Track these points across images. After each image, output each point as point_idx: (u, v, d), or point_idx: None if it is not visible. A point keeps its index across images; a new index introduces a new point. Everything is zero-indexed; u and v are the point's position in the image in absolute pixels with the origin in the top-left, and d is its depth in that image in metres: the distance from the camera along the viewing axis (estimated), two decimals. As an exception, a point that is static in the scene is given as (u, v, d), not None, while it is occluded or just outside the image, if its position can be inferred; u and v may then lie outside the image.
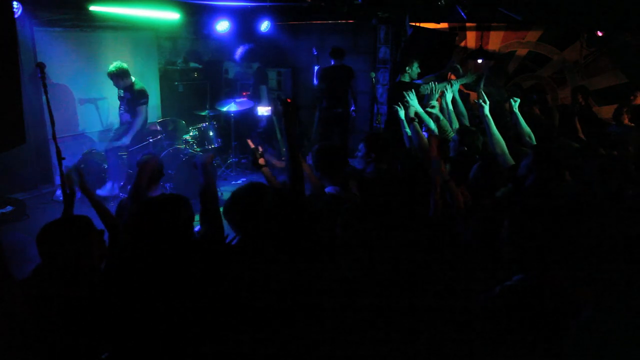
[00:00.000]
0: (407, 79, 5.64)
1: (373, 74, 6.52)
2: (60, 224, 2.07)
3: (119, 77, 5.66)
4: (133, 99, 5.80)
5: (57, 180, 5.56)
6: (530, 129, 4.08)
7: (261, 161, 3.04)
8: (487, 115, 3.61)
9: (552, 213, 1.92)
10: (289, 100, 2.61)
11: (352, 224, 2.17)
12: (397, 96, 5.08)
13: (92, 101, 6.89)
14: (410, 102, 4.34)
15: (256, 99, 7.31)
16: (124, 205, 3.05)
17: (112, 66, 5.63)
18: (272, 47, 8.16)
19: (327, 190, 3.01)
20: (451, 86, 4.80)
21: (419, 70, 5.70)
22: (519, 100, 3.95)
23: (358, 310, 1.94)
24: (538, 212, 1.94)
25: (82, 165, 5.90)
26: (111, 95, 7.00)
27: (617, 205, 2.63)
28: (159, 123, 7.01)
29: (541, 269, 1.85)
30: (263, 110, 7.16)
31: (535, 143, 3.83)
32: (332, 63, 7.05)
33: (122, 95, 5.89)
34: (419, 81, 5.69)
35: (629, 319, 1.59)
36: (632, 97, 5.77)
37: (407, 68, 5.63)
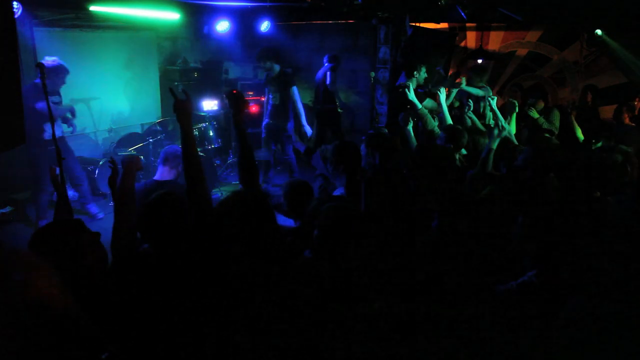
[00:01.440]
0: (414, 84, 5.38)
1: (372, 74, 6.49)
2: (48, 229, 2.06)
3: (65, 73, 5.12)
4: (60, 101, 5.39)
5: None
6: (531, 130, 4.17)
7: None
8: (495, 109, 4.03)
9: (558, 211, 1.96)
10: (234, 92, 2.61)
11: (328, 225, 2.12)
12: (400, 100, 5.13)
13: (85, 101, 6.84)
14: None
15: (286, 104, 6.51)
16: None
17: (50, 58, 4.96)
18: (272, 47, 8.16)
19: (337, 191, 2.98)
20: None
21: (425, 75, 5.57)
22: (495, 98, 4.20)
23: (358, 309, 1.94)
24: (549, 210, 1.98)
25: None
26: (103, 95, 6.99)
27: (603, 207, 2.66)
28: (159, 123, 7.02)
29: (554, 265, 1.88)
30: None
31: (514, 139, 4.06)
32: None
33: (58, 101, 5.27)
34: (401, 79, 5.67)
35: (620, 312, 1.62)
36: (637, 100, 5.75)
37: (414, 72, 5.45)
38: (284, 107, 6.36)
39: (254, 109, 7.69)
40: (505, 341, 1.80)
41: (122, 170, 2.51)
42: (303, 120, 6.24)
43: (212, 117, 6.96)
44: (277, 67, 6.26)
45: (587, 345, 1.66)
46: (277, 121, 6.39)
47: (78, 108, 6.70)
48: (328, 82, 7.12)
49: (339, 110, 7.35)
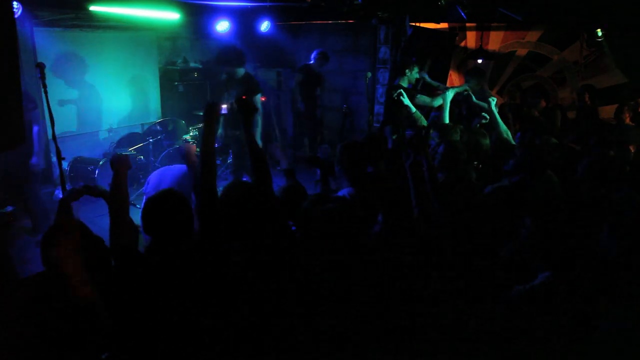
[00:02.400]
0: (405, 82, 5.46)
1: (369, 74, 6.41)
2: (52, 229, 2.07)
3: None
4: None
5: (57, 180, 5.50)
6: (530, 130, 4.19)
7: None
8: (493, 110, 4.21)
9: (565, 210, 1.96)
10: (244, 97, 2.72)
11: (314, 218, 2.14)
12: (392, 99, 5.20)
13: (85, 101, 6.80)
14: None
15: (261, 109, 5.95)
16: None
17: None
18: (272, 47, 8.16)
19: (341, 192, 2.98)
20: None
21: (417, 76, 5.59)
22: (495, 99, 4.31)
23: (357, 309, 1.94)
24: (560, 210, 1.97)
25: (72, 174, 5.85)
26: (103, 94, 6.94)
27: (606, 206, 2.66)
28: (159, 123, 7.02)
29: (566, 267, 1.87)
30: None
31: (513, 140, 4.18)
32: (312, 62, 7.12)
33: None
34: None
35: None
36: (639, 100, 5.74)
37: (406, 71, 5.45)
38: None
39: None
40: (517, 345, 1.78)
41: (114, 171, 2.50)
42: (258, 131, 5.58)
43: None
44: (241, 70, 5.60)
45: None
46: (237, 131, 5.76)
47: (78, 108, 6.73)
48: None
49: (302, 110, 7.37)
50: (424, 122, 4.41)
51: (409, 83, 5.49)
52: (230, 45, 5.69)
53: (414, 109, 4.47)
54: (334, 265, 2.02)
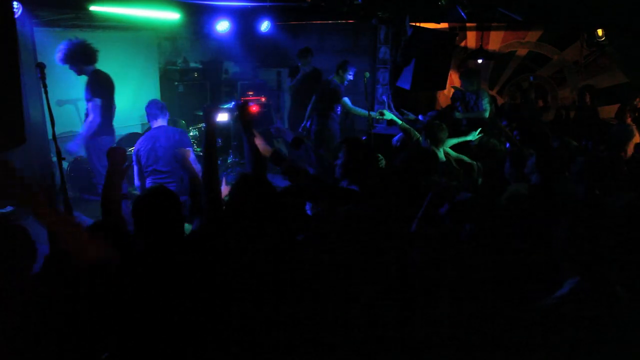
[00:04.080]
0: (338, 80, 5.96)
1: (367, 74, 6.40)
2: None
3: None
4: None
5: (57, 180, 5.47)
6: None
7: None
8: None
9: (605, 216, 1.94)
10: (242, 101, 2.92)
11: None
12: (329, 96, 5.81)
13: (73, 102, 6.78)
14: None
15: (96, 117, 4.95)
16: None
17: None
18: (272, 47, 8.15)
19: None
20: None
21: (352, 78, 6.04)
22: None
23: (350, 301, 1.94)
24: (598, 214, 1.94)
25: (72, 174, 5.87)
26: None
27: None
28: (159, 123, 7.00)
29: (599, 270, 1.81)
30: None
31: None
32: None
33: None
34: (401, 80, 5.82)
35: None
36: (638, 99, 5.75)
37: (340, 70, 5.94)
38: (103, 120, 4.96)
39: (254, 108, 7.71)
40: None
41: (109, 165, 2.51)
42: (77, 139, 4.89)
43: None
44: (89, 69, 4.87)
45: None
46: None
47: (78, 108, 6.71)
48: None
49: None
50: (415, 132, 4.41)
51: (342, 82, 5.94)
52: (79, 40, 4.91)
53: (400, 122, 4.54)
54: (350, 263, 2.03)
